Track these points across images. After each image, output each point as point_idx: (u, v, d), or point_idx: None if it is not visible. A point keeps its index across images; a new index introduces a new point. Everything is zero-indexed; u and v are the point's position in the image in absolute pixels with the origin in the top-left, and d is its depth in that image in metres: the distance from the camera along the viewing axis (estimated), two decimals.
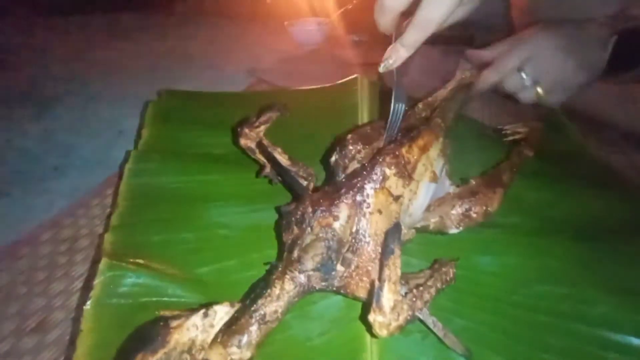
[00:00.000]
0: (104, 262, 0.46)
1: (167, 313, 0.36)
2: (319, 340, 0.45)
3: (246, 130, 0.58)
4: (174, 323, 0.34)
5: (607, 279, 0.49)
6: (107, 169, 0.73)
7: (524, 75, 0.67)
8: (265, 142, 0.57)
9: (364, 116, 0.77)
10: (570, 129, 0.76)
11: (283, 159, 0.56)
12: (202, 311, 0.35)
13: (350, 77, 0.86)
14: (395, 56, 0.45)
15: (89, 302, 0.43)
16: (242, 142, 0.58)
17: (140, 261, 0.49)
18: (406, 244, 0.49)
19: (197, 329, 0.35)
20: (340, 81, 0.87)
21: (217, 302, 0.36)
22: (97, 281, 0.45)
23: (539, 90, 0.67)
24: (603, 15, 0.67)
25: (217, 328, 0.35)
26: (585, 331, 0.45)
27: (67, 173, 0.75)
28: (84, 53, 1.17)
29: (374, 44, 1.21)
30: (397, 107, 0.47)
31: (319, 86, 0.88)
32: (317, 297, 0.48)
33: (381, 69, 0.46)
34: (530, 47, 0.66)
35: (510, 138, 0.69)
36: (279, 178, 0.57)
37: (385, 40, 0.49)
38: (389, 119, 0.48)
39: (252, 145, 0.58)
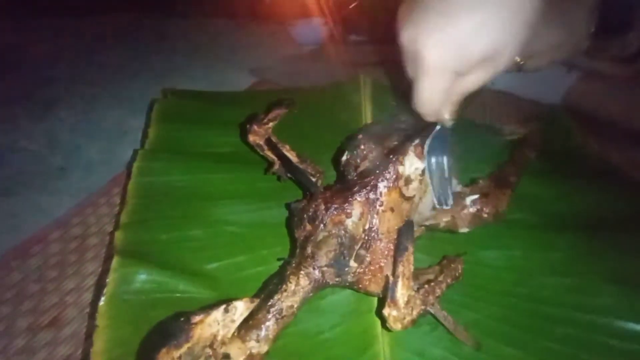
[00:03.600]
0: (116, 260, 0.47)
1: (186, 309, 0.36)
2: (330, 334, 0.46)
3: (255, 127, 0.58)
4: (195, 318, 0.35)
5: (608, 270, 0.51)
6: (112, 168, 0.73)
7: None
8: (274, 139, 0.58)
9: (367, 114, 0.78)
10: (571, 127, 0.77)
11: (292, 156, 0.56)
12: (223, 307, 0.36)
13: (353, 76, 0.87)
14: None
15: (103, 299, 0.44)
16: (251, 138, 0.58)
17: (151, 258, 0.50)
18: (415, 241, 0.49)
19: (218, 324, 0.35)
20: (343, 80, 0.87)
21: (237, 298, 0.37)
22: (110, 278, 0.45)
23: (517, 59, 0.61)
24: None
25: (237, 323, 0.36)
26: (588, 320, 0.47)
27: (73, 173, 0.75)
28: (85, 54, 1.16)
29: (373, 43, 1.21)
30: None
31: (322, 85, 0.88)
32: (327, 292, 0.49)
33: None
34: None
35: (509, 137, 0.71)
36: (289, 175, 0.58)
37: (383, 40, 0.46)
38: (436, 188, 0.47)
39: (261, 142, 0.58)
